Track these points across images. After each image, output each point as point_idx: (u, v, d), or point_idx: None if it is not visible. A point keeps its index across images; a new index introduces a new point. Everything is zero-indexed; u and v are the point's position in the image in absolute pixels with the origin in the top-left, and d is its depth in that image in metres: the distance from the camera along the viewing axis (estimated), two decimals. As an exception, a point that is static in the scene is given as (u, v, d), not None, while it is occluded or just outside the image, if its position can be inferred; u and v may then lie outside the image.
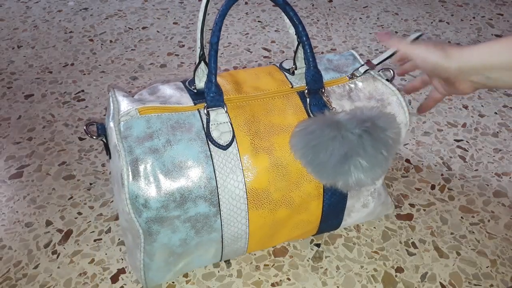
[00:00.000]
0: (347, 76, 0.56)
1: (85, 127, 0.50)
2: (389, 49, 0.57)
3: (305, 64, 0.53)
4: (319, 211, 0.55)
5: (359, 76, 0.56)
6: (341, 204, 0.56)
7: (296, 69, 0.56)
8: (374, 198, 0.59)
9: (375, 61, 0.57)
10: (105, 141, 0.51)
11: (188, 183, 0.47)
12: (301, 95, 0.54)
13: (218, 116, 0.50)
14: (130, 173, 0.46)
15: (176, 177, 0.47)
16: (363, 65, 0.57)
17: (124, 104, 0.50)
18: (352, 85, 0.56)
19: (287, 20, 0.52)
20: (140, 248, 0.51)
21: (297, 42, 0.54)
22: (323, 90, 0.53)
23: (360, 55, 1.05)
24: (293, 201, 0.52)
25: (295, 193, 0.52)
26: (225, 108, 0.50)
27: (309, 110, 0.53)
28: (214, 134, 0.49)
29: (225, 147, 0.49)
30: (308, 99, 0.53)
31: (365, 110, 0.50)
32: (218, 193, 0.49)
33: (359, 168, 0.47)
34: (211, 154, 0.48)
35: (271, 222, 0.53)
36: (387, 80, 0.57)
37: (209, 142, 0.49)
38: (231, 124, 0.50)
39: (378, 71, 0.58)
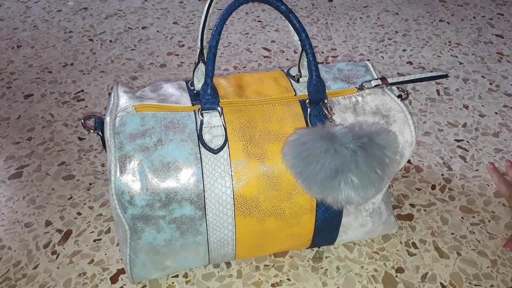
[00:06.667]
0: (356, 87, 0.54)
1: (82, 120, 0.50)
2: (411, 75, 0.55)
3: (308, 73, 0.52)
4: (311, 225, 0.53)
5: (368, 88, 0.54)
6: (335, 221, 0.54)
7: (301, 76, 0.55)
8: (374, 218, 0.57)
9: (391, 80, 0.54)
10: (101, 135, 0.51)
11: (174, 184, 0.47)
12: (303, 104, 0.52)
13: (212, 119, 0.49)
14: (118, 169, 0.46)
15: (164, 177, 0.47)
16: (376, 79, 0.54)
17: (123, 100, 0.50)
18: (359, 98, 0.54)
19: (292, 28, 0.51)
20: (126, 244, 0.51)
21: (301, 49, 0.53)
22: (326, 101, 0.52)
23: (360, 55, 1.05)
24: (283, 213, 0.51)
25: (285, 204, 0.51)
26: (219, 111, 0.49)
27: (308, 120, 0.51)
28: (206, 137, 0.48)
29: (215, 151, 0.48)
30: (308, 109, 0.52)
31: (364, 125, 0.48)
32: (204, 197, 0.48)
33: (349, 185, 0.45)
34: (201, 157, 0.48)
35: (260, 232, 0.52)
36: (398, 96, 0.55)
37: (200, 145, 0.48)
38: (225, 128, 0.49)
39: (391, 87, 0.55)
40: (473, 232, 0.64)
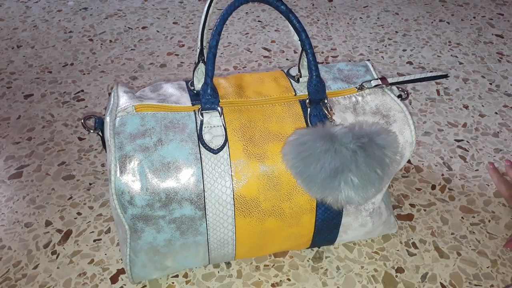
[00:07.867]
0: (356, 87, 0.54)
1: (82, 120, 0.50)
2: (411, 75, 0.55)
3: (308, 73, 0.52)
4: (311, 226, 0.53)
5: (368, 88, 0.54)
6: (335, 221, 0.54)
7: (301, 76, 0.55)
8: (374, 218, 0.57)
9: (391, 80, 0.54)
10: (101, 135, 0.51)
11: (174, 184, 0.47)
12: (303, 104, 0.52)
13: (212, 119, 0.49)
14: (118, 169, 0.46)
15: (164, 177, 0.47)
16: (376, 79, 0.54)
17: (123, 100, 0.50)
18: (359, 98, 0.54)
19: (292, 28, 0.51)
20: (126, 244, 0.51)
21: (301, 49, 0.53)
22: (326, 101, 0.52)
23: (360, 55, 1.05)
24: (283, 213, 0.51)
25: (285, 204, 0.51)
26: (219, 111, 0.49)
27: (308, 120, 0.51)
28: (206, 137, 0.48)
29: (215, 151, 0.48)
30: (308, 109, 0.52)
31: (364, 125, 0.48)
32: (204, 197, 0.48)
33: (349, 185, 0.45)
34: (201, 157, 0.48)
35: (260, 232, 0.52)
36: (398, 96, 0.55)
37: (200, 145, 0.48)
38: (225, 128, 0.49)
39: (391, 87, 0.55)
40: (473, 232, 0.64)
